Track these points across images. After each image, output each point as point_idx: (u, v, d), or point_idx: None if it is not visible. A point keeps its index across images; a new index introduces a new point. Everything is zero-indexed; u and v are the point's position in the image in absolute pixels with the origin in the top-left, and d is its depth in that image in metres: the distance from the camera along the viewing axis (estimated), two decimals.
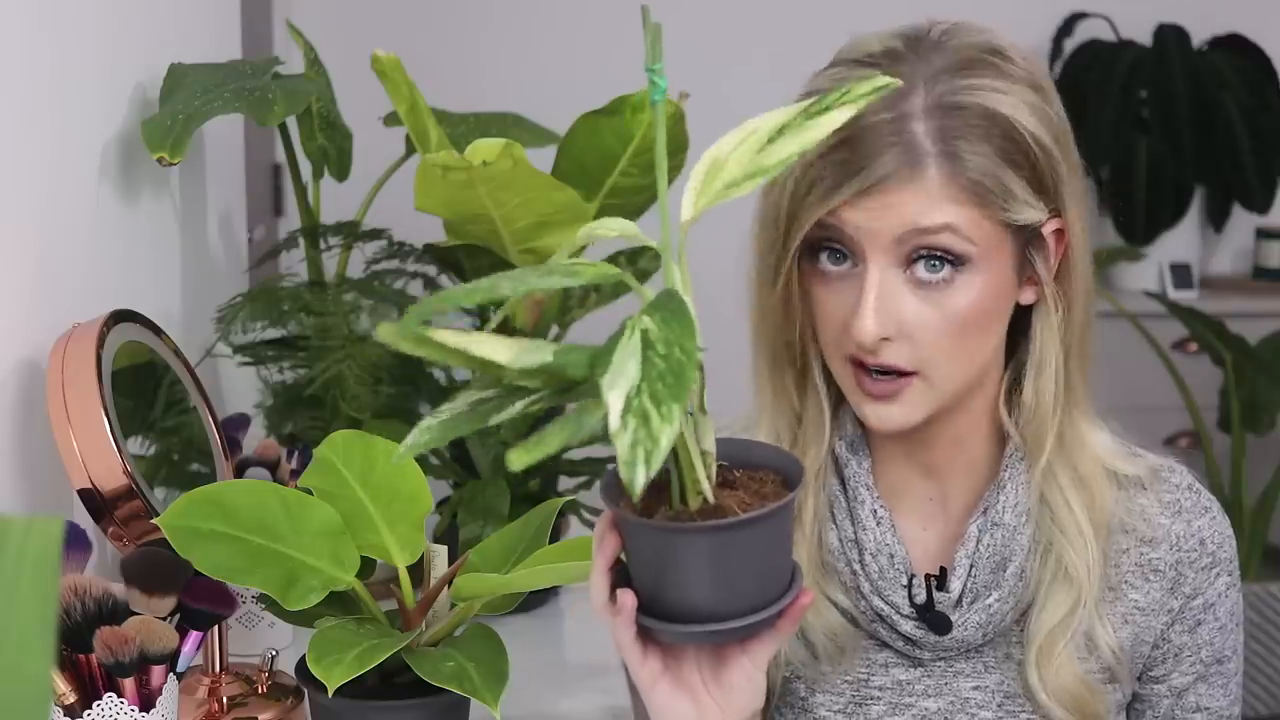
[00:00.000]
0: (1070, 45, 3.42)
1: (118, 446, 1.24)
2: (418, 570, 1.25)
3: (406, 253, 1.81)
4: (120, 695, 1.11)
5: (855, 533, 1.13)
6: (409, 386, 1.76)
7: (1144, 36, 3.41)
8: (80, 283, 1.41)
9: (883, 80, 0.86)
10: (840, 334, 1.05)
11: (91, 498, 1.24)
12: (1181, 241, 3.45)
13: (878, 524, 1.13)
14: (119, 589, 1.14)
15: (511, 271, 0.82)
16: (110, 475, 1.24)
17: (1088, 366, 1.12)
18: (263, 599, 1.26)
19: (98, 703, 1.11)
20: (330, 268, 1.81)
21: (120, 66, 1.54)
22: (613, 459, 0.81)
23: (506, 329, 1.66)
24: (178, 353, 1.44)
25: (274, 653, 1.41)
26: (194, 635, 1.20)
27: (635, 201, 1.69)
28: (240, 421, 1.57)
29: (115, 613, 1.12)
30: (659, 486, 0.88)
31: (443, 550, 1.26)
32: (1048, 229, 1.06)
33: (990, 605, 1.11)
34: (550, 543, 1.24)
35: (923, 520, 1.16)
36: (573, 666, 1.66)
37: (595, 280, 0.84)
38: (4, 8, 1.23)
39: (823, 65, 1.09)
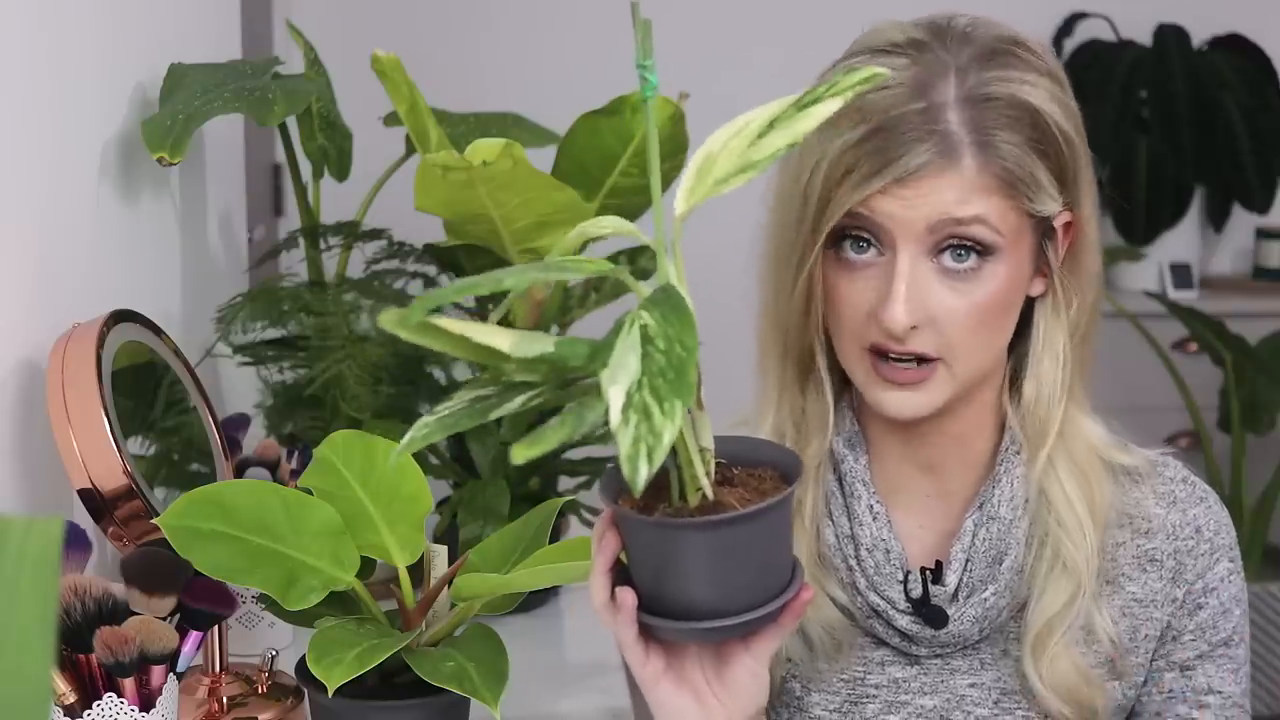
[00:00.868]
0: (1070, 45, 3.42)
1: (118, 446, 1.24)
2: (418, 570, 1.25)
3: (406, 253, 1.81)
4: (120, 695, 1.11)
5: (851, 528, 1.14)
6: (409, 386, 1.76)
7: (1144, 36, 3.41)
8: (80, 283, 1.41)
9: (869, 71, 0.85)
10: (863, 323, 1.05)
11: (91, 498, 1.24)
12: (1181, 241, 3.45)
13: (874, 519, 1.13)
14: (119, 589, 1.14)
15: (513, 266, 0.82)
16: (110, 475, 1.24)
17: (1089, 359, 1.13)
18: (263, 599, 1.26)
19: (98, 703, 1.11)
20: (330, 268, 1.81)
21: (120, 66, 1.54)
22: (613, 459, 0.80)
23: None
24: (178, 353, 1.44)
25: (274, 653, 1.41)
26: (194, 635, 1.20)
27: (635, 201, 1.69)
28: (240, 421, 1.57)
29: (115, 613, 1.12)
30: (658, 484, 0.87)
31: (443, 550, 1.26)
32: (1059, 221, 1.07)
33: (986, 599, 1.11)
34: (550, 543, 1.24)
35: (920, 516, 1.16)
36: (573, 666, 1.66)
37: (596, 274, 0.84)
38: (4, 8, 1.23)
39: (822, 66, 1.09)
